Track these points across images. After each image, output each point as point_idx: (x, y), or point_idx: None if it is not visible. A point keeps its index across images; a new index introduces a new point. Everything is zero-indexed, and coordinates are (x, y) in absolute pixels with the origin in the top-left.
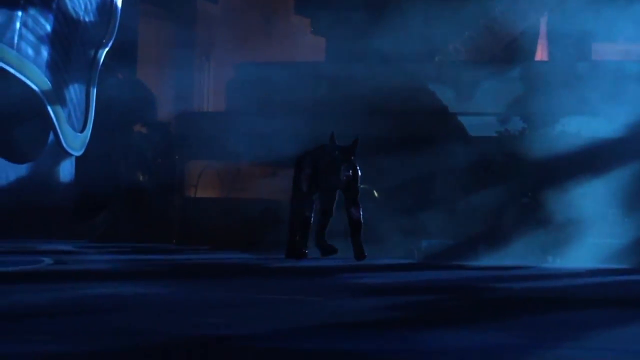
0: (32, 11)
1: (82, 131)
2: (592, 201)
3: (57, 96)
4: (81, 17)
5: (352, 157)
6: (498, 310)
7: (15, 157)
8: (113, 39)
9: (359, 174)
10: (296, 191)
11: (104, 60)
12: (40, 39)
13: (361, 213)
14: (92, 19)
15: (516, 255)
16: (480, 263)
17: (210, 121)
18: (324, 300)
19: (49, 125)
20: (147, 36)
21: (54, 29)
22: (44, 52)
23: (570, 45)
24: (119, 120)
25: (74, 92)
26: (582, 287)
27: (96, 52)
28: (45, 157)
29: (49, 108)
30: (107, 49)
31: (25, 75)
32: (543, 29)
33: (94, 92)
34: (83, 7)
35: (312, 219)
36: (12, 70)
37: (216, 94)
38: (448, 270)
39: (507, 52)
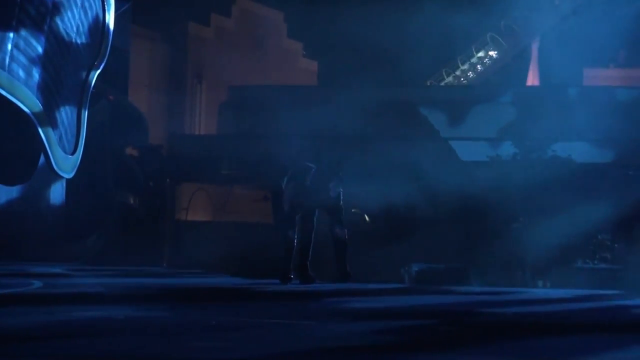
0: (23, 33)
1: (73, 153)
2: (581, 226)
3: (48, 118)
4: (73, 39)
5: (340, 174)
6: (488, 335)
7: (5, 180)
8: (105, 61)
9: (341, 193)
10: (278, 213)
11: (95, 82)
12: (32, 61)
13: (346, 232)
14: (83, 40)
15: (506, 279)
16: (471, 288)
17: (202, 144)
18: (315, 324)
19: (39, 147)
20: (139, 58)
21: (45, 51)
22: (36, 74)
23: (561, 70)
24: (110, 143)
25: (65, 114)
26: (572, 312)
27: (88, 74)
28: (35, 180)
29: (40, 130)
30: (98, 71)
31: (16, 97)
32: (535, 53)
33: (85, 114)
34: (75, 29)
35: (295, 240)
36: (3, 92)
37: (208, 116)
38: (438, 294)
39: (499, 76)
